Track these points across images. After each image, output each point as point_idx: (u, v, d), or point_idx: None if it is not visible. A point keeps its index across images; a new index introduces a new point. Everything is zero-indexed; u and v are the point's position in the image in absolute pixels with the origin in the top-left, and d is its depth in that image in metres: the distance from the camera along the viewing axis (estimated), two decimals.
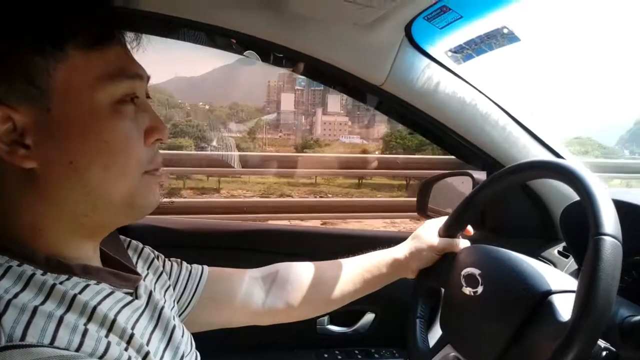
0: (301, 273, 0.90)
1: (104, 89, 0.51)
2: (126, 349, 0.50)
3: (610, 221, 0.60)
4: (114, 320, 0.51)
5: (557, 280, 0.72)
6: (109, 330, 0.50)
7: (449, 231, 0.90)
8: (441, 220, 0.92)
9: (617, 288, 0.58)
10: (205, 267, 0.85)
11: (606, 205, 0.61)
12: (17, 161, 0.49)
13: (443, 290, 0.86)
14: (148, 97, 0.59)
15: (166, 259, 0.79)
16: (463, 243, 0.89)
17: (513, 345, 0.68)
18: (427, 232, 0.91)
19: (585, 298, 0.57)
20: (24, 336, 0.42)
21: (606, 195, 0.62)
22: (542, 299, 0.69)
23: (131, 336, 0.51)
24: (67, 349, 0.43)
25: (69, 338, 0.44)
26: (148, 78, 0.59)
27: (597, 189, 0.63)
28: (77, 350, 0.44)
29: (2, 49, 0.48)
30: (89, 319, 0.48)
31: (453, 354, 0.77)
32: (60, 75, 0.49)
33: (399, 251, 0.92)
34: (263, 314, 0.87)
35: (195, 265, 0.84)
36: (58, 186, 0.51)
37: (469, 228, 0.91)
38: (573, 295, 0.67)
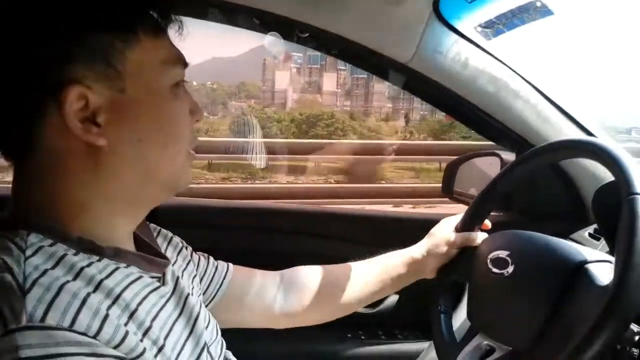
0: (318, 277, 0.90)
1: (167, 73, 0.57)
2: (142, 340, 0.50)
3: None
4: (135, 310, 0.51)
5: (592, 252, 0.71)
6: (130, 318, 0.50)
7: (466, 225, 0.88)
8: (458, 217, 0.91)
9: None
10: (231, 265, 0.86)
11: (637, 169, 0.61)
12: (91, 138, 0.51)
13: (467, 283, 0.85)
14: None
15: (194, 252, 0.80)
16: (481, 236, 0.87)
17: (551, 320, 0.67)
18: (444, 229, 0.91)
19: (627, 253, 0.57)
20: (44, 317, 0.42)
21: (638, 166, 0.62)
22: (578, 268, 0.68)
23: (149, 328, 0.52)
24: (85, 334, 0.44)
25: (88, 322, 0.44)
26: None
27: (628, 160, 0.63)
28: (95, 336, 0.44)
29: (83, 32, 0.51)
30: (113, 303, 0.49)
31: (485, 342, 0.76)
32: (133, 58, 0.53)
33: (417, 250, 0.91)
34: (280, 317, 0.88)
35: (221, 262, 0.85)
36: (121, 163, 0.54)
37: (487, 222, 0.90)
38: (609, 265, 0.67)
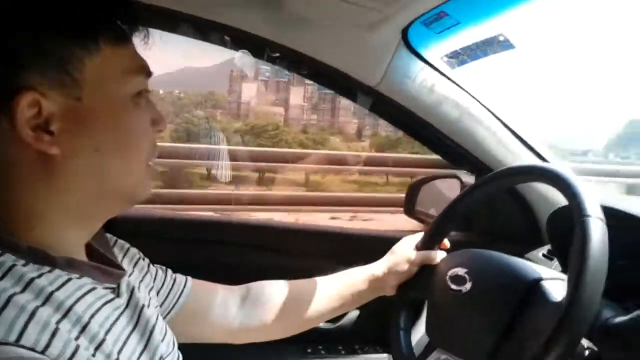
0: (277, 292, 0.89)
1: (128, 83, 0.55)
2: (94, 355, 0.49)
3: (593, 204, 0.64)
4: (87, 323, 0.50)
5: (546, 271, 0.74)
6: (81, 332, 0.49)
7: (426, 244, 0.91)
8: (418, 236, 0.93)
9: (607, 263, 0.60)
10: (189, 278, 0.84)
11: (589, 193, 0.65)
12: (42, 147, 0.50)
13: (426, 299, 0.87)
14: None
15: (151, 264, 0.78)
16: (440, 255, 0.90)
17: (507, 335, 0.69)
18: (404, 247, 0.92)
19: (579, 272, 0.59)
20: None
21: (589, 189, 0.66)
22: (533, 285, 0.71)
23: (102, 341, 0.50)
24: (32, 349, 0.42)
25: (36, 337, 0.43)
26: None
27: (580, 184, 0.67)
28: (44, 351, 0.42)
29: (40, 37, 0.49)
30: (63, 317, 0.47)
31: (443, 357, 0.78)
32: (92, 67, 0.51)
33: (377, 267, 0.92)
34: (238, 332, 0.87)
35: (179, 275, 0.83)
36: (75, 173, 0.53)
37: (446, 241, 0.93)
38: (562, 282, 0.70)
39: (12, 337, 0.41)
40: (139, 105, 0.57)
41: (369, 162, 5.51)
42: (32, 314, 0.44)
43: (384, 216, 4.88)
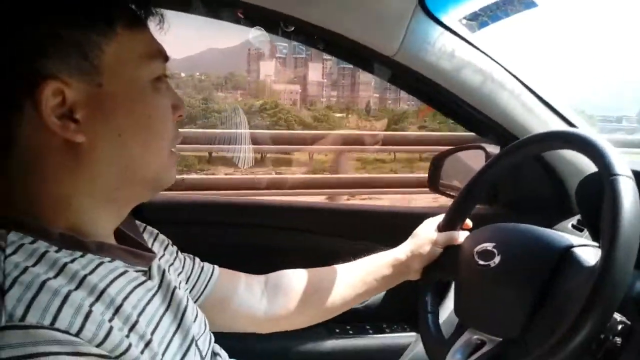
0: (303, 281, 0.90)
1: (146, 67, 0.56)
2: (127, 336, 0.49)
3: (622, 164, 0.62)
4: (120, 305, 0.50)
5: (577, 238, 0.72)
6: (114, 313, 0.49)
7: (448, 225, 0.89)
8: (440, 217, 0.92)
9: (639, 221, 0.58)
10: (216, 267, 0.85)
11: (617, 154, 0.63)
12: (68, 135, 0.51)
13: (453, 281, 0.85)
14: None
15: (179, 252, 0.79)
16: (463, 235, 0.88)
17: (541, 305, 0.68)
18: (426, 229, 0.91)
19: (613, 231, 0.58)
20: (24, 316, 0.41)
21: (617, 151, 0.64)
22: (564, 252, 0.69)
23: (135, 323, 0.51)
24: (67, 332, 0.43)
25: (70, 319, 0.44)
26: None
27: (607, 146, 0.65)
28: (77, 334, 0.43)
29: (58, 25, 0.50)
30: (96, 300, 0.48)
31: (475, 337, 0.77)
32: (110, 52, 0.52)
33: (400, 251, 0.91)
34: (264, 321, 0.87)
35: (207, 264, 0.84)
36: (101, 159, 0.53)
37: (468, 221, 0.91)
38: (595, 248, 0.69)
39: (47, 321, 0.42)
40: (159, 90, 0.57)
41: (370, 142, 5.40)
42: (66, 298, 0.44)
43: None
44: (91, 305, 0.47)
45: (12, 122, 0.50)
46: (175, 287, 0.63)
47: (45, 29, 0.49)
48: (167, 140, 0.59)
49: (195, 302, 0.79)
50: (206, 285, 0.82)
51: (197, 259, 0.83)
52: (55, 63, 0.49)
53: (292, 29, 1.06)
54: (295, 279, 0.90)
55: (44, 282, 0.44)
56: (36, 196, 0.52)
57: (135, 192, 0.59)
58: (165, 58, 0.59)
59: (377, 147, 5.23)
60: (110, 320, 0.48)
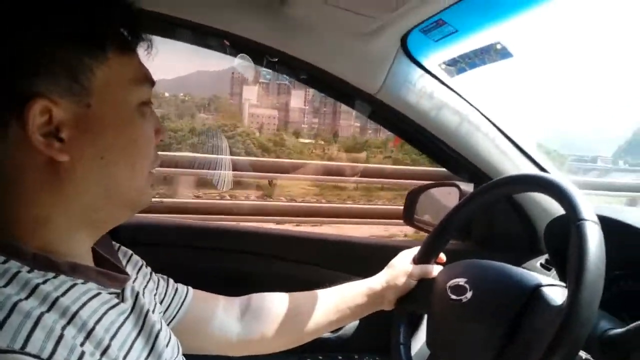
0: (276, 304, 0.90)
1: (134, 92, 0.56)
2: None
3: (588, 209, 0.65)
4: (92, 328, 0.50)
5: (545, 278, 0.74)
6: (86, 337, 0.49)
7: (423, 258, 0.91)
8: (415, 249, 0.94)
9: (604, 264, 0.61)
10: (190, 288, 0.85)
11: (584, 199, 0.66)
12: (52, 153, 0.50)
13: (425, 314, 0.86)
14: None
15: (153, 273, 0.79)
16: (437, 269, 0.90)
17: (509, 342, 0.69)
18: (402, 261, 0.93)
19: (579, 273, 0.60)
20: None
21: (584, 196, 0.67)
22: (533, 291, 0.71)
23: (107, 347, 0.50)
24: (38, 356, 0.42)
25: (42, 343, 0.43)
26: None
27: (574, 191, 0.68)
28: (49, 358, 0.42)
29: (51, 45, 0.50)
30: (68, 322, 0.47)
31: None
32: (101, 75, 0.53)
33: (375, 281, 0.92)
34: (236, 345, 0.86)
35: (181, 285, 0.84)
36: (82, 180, 0.53)
37: (442, 256, 0.93)
38: (562, 288, 0.71)
39: (18, 345, 0.41)
40: (144, 114, 0.58)
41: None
42: (38, 320, 0.44)
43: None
44: (63, 328, 0.46)
45: None
46: (148, 310, 0.62)
47: (39, 48, 0.49)
48: (148, 162, 0.60)
49: (168, 323, 0.78)
50: (180, 307, 0.81)
51: (171, 281, 0.83)
52: (45, 82, 0.49)
53: (276, 60, 1.08)
54: (270, 302, 0.90)
55: (15, 304, 0.43)
56: (13, 215, 0.52)
57: (114, 212, 0.58)
58: (152, 83, 0.60)
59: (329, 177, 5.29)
60: (82, 344, 0.47)
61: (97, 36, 0.53)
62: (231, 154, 4.95)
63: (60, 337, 0.44)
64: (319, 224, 4.79)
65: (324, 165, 5.63)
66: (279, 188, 6.03)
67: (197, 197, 5.24)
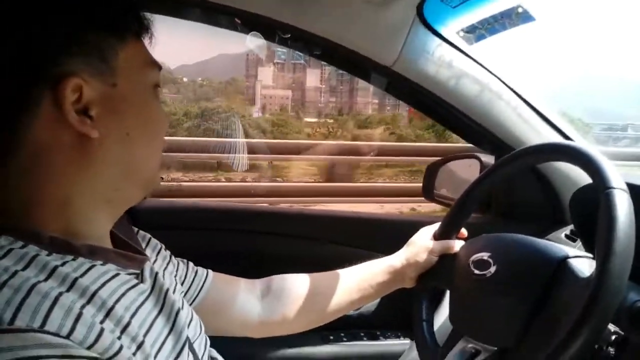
0: (297, 286, 0.90)
1: (149, 74, 0.60)
2: (119, 338, 0.49)
3: (616, 177, 0.63)
4: (112, 307, 0.50)
5: (572, 249, 0.72)
6: (106, 315, 0.49)
7: (444, 233, 0.90)
8: (435, 225, 0.92)
9: (634, 233, 0.59)
10: (210, 271, 0.85)
11: (612, 167, 0.64)
12: (85, 129, 0.52)
13: (448, 289, 0.85)
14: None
15: (173, 256, 0.79)
16: (459, 244, 0.88)
17: (536, 315, 0.68)
18: (422, 237, 0.92)
19: (608, 242, 0.58)
20: (13, 319, 0.41)
21: (612, 164, 0.65)
22: (560, 263, 0.69)
23: (127, 325, 0.51)
24: (57, 334, 0.42)
25: (60, 322, 0.43)
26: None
27: (602, 159, 0.66)
28: (68, 336, 0.43)
29: (82, 27, 0.53)
30: (88, 302, 0.48)
31: (470, 345, 0.77)
32: (123, 56, 0.56)
33: (395, 258, 0.91)
34: (257, 326, 0.87)
35: (200, 268, 0.84)
36: (108, 157, 0.55)
37: (463, 230, 0.91)
38: (589, 260, 0.69)
39: (37, 323, 0.42)
40: (158, 96, 0.62)
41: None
42: (56, 300, 0.44)
43: None
44: (82, 307, 0.46)
45: (22, 124, 0.51)
46: (167, 290, 0.63)
47: (72, 31, 0.52)
48: (163, 143, 0.63)
49: (189, 305, 0.79)
50: (200, 289, 0.82)
51: (191, 264, 0.83)
52: (77, 62, 0.52)
53: (289, 36, 1.06)
54: (291, 283, 0.90)
55: (33, 285, 0.44)
56: (35, 199, 0.52)
57: (130, 193, 0.60)
58: (160, 68, 0.63)
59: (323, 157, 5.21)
60: (102, 322, 0.48)
61: (121, 20, 0.57)
62: (224, 136, 4.95)
63: (79, 315, 0.45)
64: (313, 204, 4.75)
65: (323, 145, 5.56)
66: (276, 169, 6.00)
67: (192, 180, 5.26)
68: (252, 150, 4.90)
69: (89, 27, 0.54)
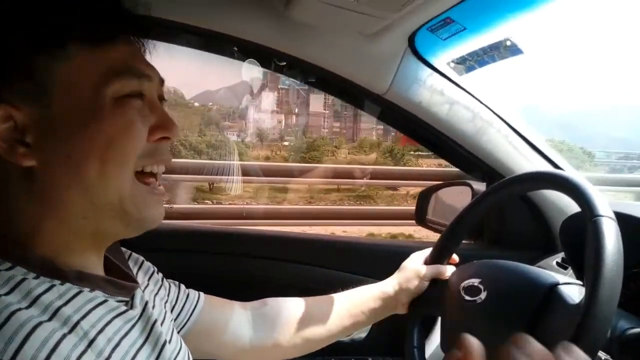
0: (289, 311, 0.89)
1: (110, 85, 0.52)
2: None
3: (604, 205, 0.64)
4: (94, 338, 0.49)
5: (562, 276, 0.73)
6: (88, 346, 0.48)
7: (435, 259, 0.90)
8: (427, 251, 0.93)
9: (622, 260, 0.60)
10: (202, 294, 0.84)
11: (599, 195, 0.65)
12: (16, 159, 0.49)
13: (439, 316, 0.86)
14: (163, 99, 0.60)
15: (165, 279, 0.78)
16: (450, 269, 0.89)
17: None
18: (414, 262, 0.92)
19: (597, 269, 0.59)
20: None
21: (600, 193, 0.66)
22: (550, 289, 0.70)
23: (107, 359, 0.49)
24: None
25: (34, 352, 0.41)
26: (162, 81, 0.60)
27: (589, 187, 0.67)
28: None
29: (6, 50, 0.49)
30: (69, 332, 0.47)
31: None
32: (62, 72, 0.50)
33: (388, 285, 0.91)
34: (249, 351, 0.86)
35: (192, 291, 0.83)
36: (57, 185, 0.51)
37: (455, 256, 0.92)
38: (579, 287, 0.70)
39: (8, 354, 0.40)
40: (126, 106, 0.53)
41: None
42: (33, 330, 0.43)
43: None
44: (62, 338, 0.45)
45: None
46: (156, 320, 0.61)
47: None
48: (131, 156, 0.54)
49: (179, 330, 0.77)
50: (191, 314, 0.80)
51: (183, 287, 0.82)
52: (3, 88, 0.49)
53: (284, 64, 1.08)
54: (283, 309, 0.89)
55: (12, 313, 0.43)
56: (9, 223, 0.51)
57: (105, 223, 0.54)
58: (140, 75, 0.55)
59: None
60: (83, 353, 0.46)
61: (53, 34, 0.50)
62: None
63: (55, 347, 0.43)
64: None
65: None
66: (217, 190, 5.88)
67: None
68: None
69: (11, 48, 0.49)
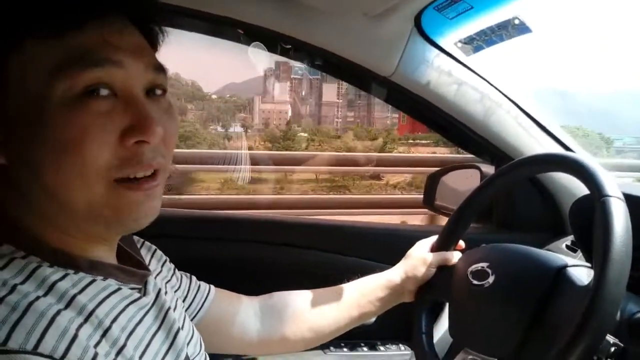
0: (296, 304, 0.88)
1: (60, 80, 0.45)
2: (115, 359, 0.48)
3: (612, 185, 0.63)
4: (109, 327, 0.49)
5: (570, 259, 0.73)
6: (102, 336, 0.48)
7: (442, 245, 0.90)
8: (432, 238, 0.92)
9: (631, 239, 0.59)
10: (213, 287, 0.84)
11: (608, 176, 0.65)
12: None
13: (447, 301, 0.85)
14: (157, 89, 0.53)
15: (177, 270, 0.79)
16: (457, 255, 0.88)
17: (535, 325, 0.68)
18: (420, 250, 0.91)
19: (605, 250, 0.59)
20: (7, 339, 0.40)
21: (608, 174, 0.65)
22: (558, 272, 0.70)
23: (123, 347, 0.50)
24: (50, 356, 0.41)
25: (54, 343, 0.42)
26: (157, 67, 0.53)
27: (598, 168, 0.66)
28: (62, 358, 0.42)
29: None
30: (85, 321, 0.47)
31: (470, 357, 0.77)
32: (16, 65, 0.46)
33: (394, 273, 0.90)
34: (257, 344, 0.86)
35: (203, 283, 0.84)
36: (28, 186, 0.49)
37: (461, 242, 0.91)
38: (588, 269, 0.70)
39: (30, 345, 0.41)
40: (84, 107, 0.46)
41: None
42: (52, 319, 0.43)
43: None
44: (78, 327, 0.45)
45: None
46: (169, 307, 0.62)
47: None
48: (94, 166, 0.47)
49: (191, 321, 0.78)
50: (201, 306, 0.81)
51: (194, 278, 0.83)
52: None
53: (290, 47, 1.07)
54: (290, 301, 0.89)
55: (30, 303, 0.43)
56: (23, 211, 0.51)
57: (85, 226, 0.51)
58: (106, 63, 0.47)
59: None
60: (98, 343, 0.47)
61: (8, 25, 0.46)
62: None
63: (75, 336, 0.44)
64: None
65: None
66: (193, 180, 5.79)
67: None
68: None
69: None
